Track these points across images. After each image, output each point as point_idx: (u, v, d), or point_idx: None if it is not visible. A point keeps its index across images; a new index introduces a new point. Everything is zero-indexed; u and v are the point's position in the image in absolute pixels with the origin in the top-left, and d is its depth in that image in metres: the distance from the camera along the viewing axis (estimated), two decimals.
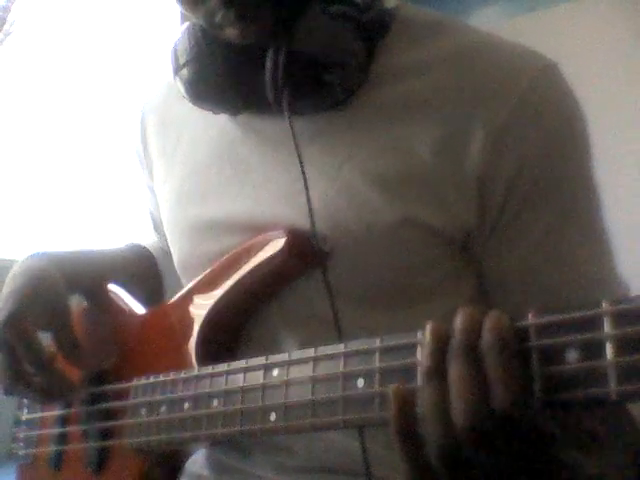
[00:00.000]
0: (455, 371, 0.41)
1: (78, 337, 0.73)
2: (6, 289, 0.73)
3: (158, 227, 0.88)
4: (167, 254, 0.80)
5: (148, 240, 0.94)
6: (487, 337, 0.41)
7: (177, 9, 0.66)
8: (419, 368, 0.44)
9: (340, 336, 0.61)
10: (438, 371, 0.42)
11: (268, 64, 0.62)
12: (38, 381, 0.70)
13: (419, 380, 0.44)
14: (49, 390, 0.71)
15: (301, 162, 0.62)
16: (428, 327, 0.44)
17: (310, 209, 0.61)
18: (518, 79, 0.61)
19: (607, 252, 0.65)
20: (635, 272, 0.70)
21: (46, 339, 0.72)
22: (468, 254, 0.65)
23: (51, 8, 2.54)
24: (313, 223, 0.62)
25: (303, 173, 0.62)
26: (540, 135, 0.61)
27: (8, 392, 0.71)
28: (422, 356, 0.43)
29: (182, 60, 0.68)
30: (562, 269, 0.63)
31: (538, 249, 0.63)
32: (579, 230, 0.64)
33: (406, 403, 0.43)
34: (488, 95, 0.61)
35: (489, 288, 0.67)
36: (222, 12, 0.61)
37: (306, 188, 0.62)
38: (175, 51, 0.69)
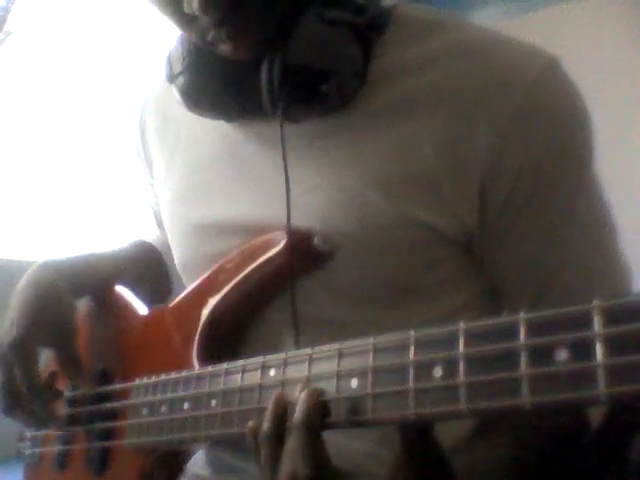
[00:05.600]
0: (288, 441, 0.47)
1: (83, 338, 0.73)
2: (15, 304, 0.74)
3: (161, 223, 0.88)
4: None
5: (153, 236, 0.94)
6: (297, 414, 0.47)
7: None
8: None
9: (297, 335, 0.63)
10: (275, 436, 0.49)
11: (263, 73, 0.62)
12: (30, 407, 0.72)
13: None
14: (36, 419, 0.73)
15: (286, 169, 0.62)
16: (272, 397, 0.50)
17: (288, 210, 0.62)
18: (521, 77, 0.60)
19: (612, 248, 0.65)
20: (637, 270, 0.70)
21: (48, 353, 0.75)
22: (470, 254, 0.65)
23: (51, 8, 2.54)
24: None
25: (287, 180, 0.62)
26: (544, 134, 0.60)
27: (5, 412, 0.73)
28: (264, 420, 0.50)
29: (176, 69, 0.68)
30: (565, 267, 0.63)
31: (541, 247, 0.63)
32: (582, 227, 0.63)
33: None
34: (491, 94, 0.60)
35: (493, 287, 0.67)
36: (214, 31, 0.61)
37: (287, 191, 0.62)
38: (169, 60, 0.69)
